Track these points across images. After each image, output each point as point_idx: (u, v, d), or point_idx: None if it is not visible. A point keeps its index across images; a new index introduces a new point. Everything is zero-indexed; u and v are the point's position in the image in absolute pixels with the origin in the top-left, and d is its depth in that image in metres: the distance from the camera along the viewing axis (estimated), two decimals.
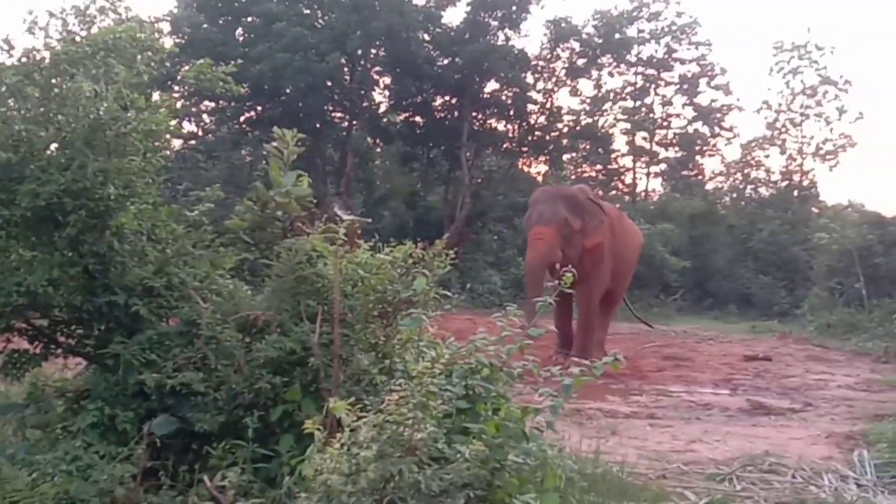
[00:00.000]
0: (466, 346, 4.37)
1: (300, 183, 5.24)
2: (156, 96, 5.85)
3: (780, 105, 36.34)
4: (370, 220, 5.83)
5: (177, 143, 24.68)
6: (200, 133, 26.79)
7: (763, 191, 35.54)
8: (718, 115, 36.88)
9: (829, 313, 21.29)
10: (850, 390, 12.02)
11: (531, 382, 4.67)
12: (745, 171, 37.11)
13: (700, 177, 37.87)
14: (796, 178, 35.83)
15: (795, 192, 34.64)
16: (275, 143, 5.37)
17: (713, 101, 36.77)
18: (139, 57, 5.19)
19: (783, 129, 36.26)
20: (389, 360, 4.81)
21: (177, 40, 23.81)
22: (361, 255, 4.89)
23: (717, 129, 37.27)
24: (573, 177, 32.35)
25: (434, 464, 3.58)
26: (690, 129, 37.18)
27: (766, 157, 36.88)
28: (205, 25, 24.46)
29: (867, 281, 20.96)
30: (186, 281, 4.96)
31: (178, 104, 18.57)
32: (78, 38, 5.30)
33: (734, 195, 36.20)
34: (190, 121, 25.75)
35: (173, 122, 5.54)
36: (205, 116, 26.72)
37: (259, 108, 25.22)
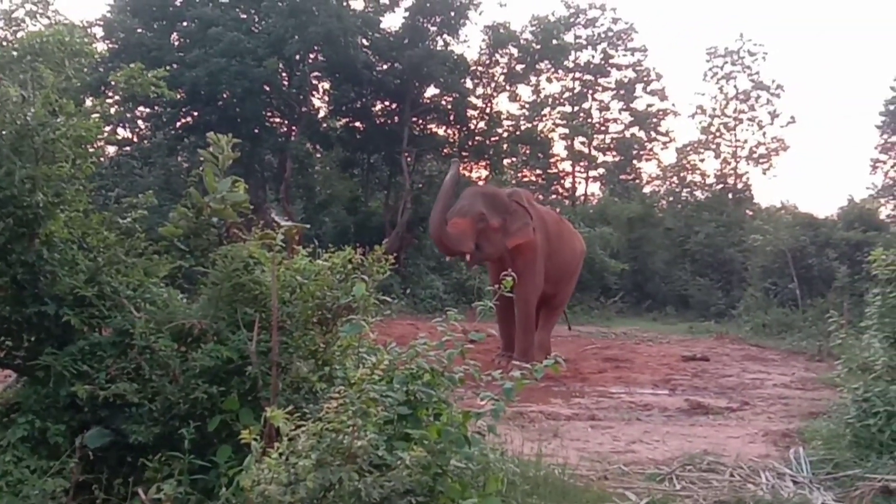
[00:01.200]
0: (407, 352, 4.36)
1: (236, 189, 5.16)
2: (88, 102, 5.70)
3: (714, 110, 37.26)
4: (308, 226, 5.76)
5: (111, 150, 24.18)
6: (136, 139, 26.23)
7: (699, 194, 36.31)
8: (654, 119, 37.62)
9: (765, 313, 21.74)
10: (785, 389, 12.27)
11: (473, 387, 4.67)
12: (682, 174, 37.86)
13: (637, 181, 38.53)
14: (731, 181, 36.69)
15: (730, 195, 35.43)
16: (210, 149, 5.29)
17: (649, 106, 37.54)
18: (67, 62, 5.05)
19: (717, 134, 37.14)
20: (329, 367, 4.74)
21: (110, 45, 23.36)
22: (300, 261, 4.83)
23: (653, 134, 38.02)
24: (514, 181, 32.55)
25: (375, 471, 3.55)
26: (627, 134, 37.87)
27: (702, 160, 37.78)
28: (139, 30, 23.96)
29: (800, 281, 21.46)
30: (119, 290, 4.83)
31: (112, 110, 18.22)
32: (4, 43, 5.15)
33: (671, 198, 36.87)
34: (125, 127, 25.18)
35: (107, 128, 5.41)
36: (140, 122, 26.16)
37: (195, 113, 24.78)
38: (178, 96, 23.71)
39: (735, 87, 36.76)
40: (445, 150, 29.17)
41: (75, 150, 4.84)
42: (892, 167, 38.84)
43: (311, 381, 4.53)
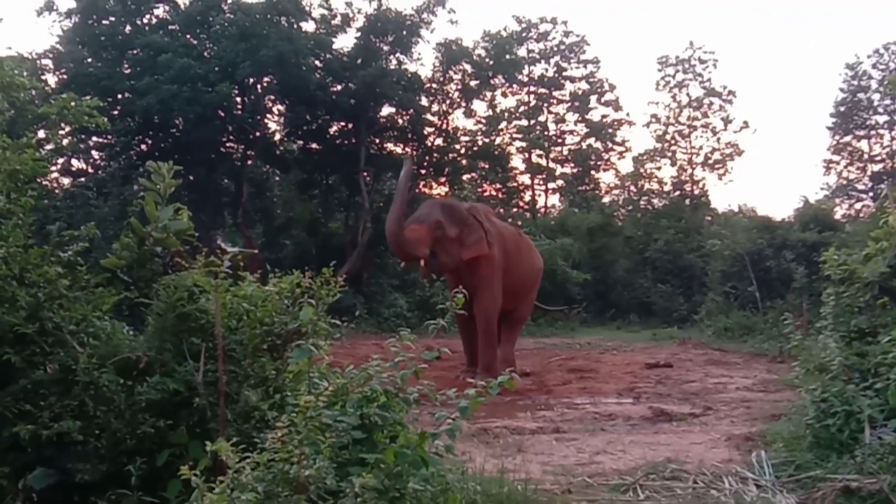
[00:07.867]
0: (359, 374, 4.28)
1: (179, 217, 5.06)
2: (41, 133, 5.59)
3: (668, 118, 37.66)
4: (257, 251, 5.68)
5: (66, 181, 23.86)
6: (90, 170, 25.88)
7: (657, 202, 36.60)
8: (610, 130, 37.94)
9: (726, 317, 21.91)
10: (747, 392, 12.33)
11: (433, 406, 4.60)
12: (639, 183, 38.15)
13: (596, 191, 38.77)
14: (688, 187, 37.07)
15: (687, 202, 35.75)
16: (151, 177, 5.19)
17: (604, 116, 37.88)
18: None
19: (673, 142, 37.55)
20: (281, 394, 4.65)
21: (60, 76, 23.09)
22: (246, 287, 4.74)
23: (609, 144, 38.35)
24: (474, 197, 32.61)
25: (330, 498, 3.47)
26: (584, 145, 38.15)
27: (658, 168, 38.13)
28: (89, 59, 23.74)
29: (759, 284, 21.66)
30: (62, 325, 4.70)
31: (65, 141, 17.91)
32: None
33: (629, 207, 37.14)
34: (79, 157, 24.88)
35: (60, 160, 5.30)
36: (94, 152, 25.79)
37: (149, 141, 24.56)
38: (131, 124, 23.60)
39: (688, 94, 37.30)
40: None
41: (9, 184, 4.72)
42: (844, 167, 39.60)
43: (261, 409, 4.44)
